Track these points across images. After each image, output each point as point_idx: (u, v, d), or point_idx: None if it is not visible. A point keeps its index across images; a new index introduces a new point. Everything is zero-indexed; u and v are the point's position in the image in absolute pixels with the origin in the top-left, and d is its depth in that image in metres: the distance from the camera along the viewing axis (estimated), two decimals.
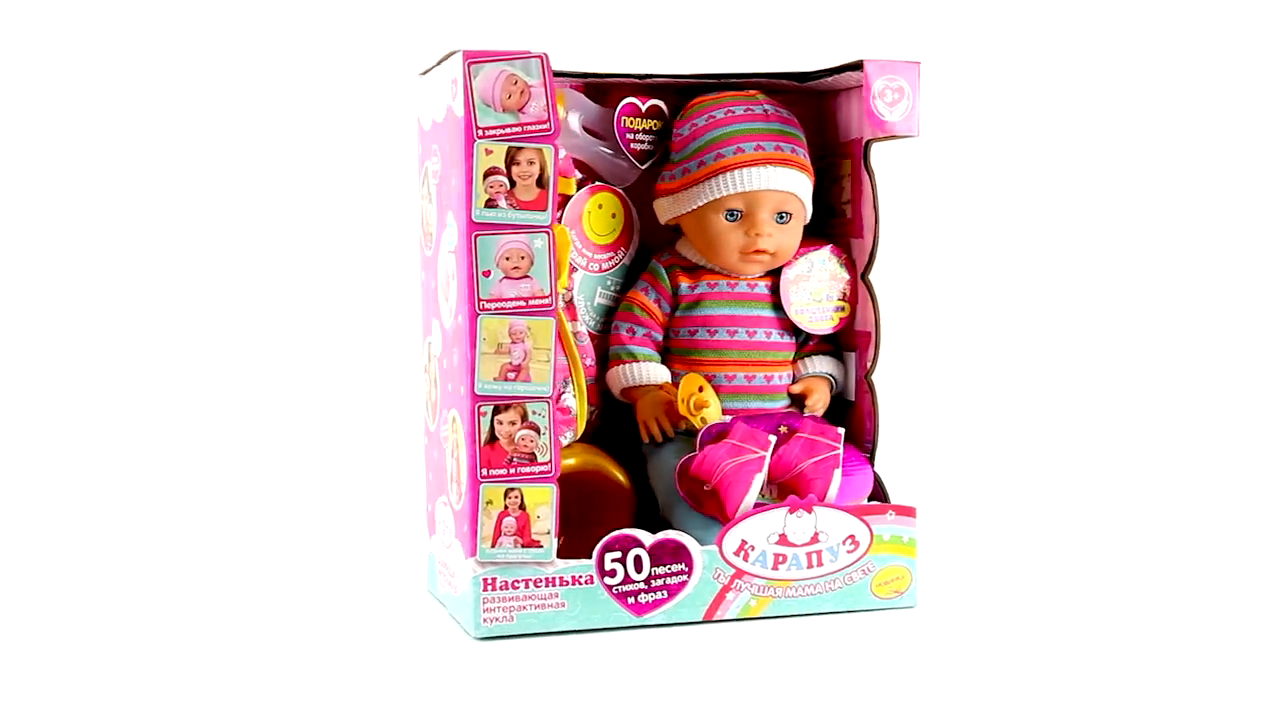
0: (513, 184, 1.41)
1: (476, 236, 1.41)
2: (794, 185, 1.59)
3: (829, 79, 1.60)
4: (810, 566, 1.50)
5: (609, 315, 1.65)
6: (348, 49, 2.01)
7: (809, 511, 1.49)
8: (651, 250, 1.67)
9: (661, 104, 1.64)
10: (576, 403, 1.59)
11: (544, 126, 1.41)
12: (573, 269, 1.63)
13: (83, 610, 1.56)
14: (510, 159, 1.41)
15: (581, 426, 1.60)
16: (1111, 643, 1.43)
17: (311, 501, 2.02)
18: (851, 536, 1.51)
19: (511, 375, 1.42)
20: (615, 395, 1.63)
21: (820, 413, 1.64)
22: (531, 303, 1.43)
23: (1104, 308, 2.24)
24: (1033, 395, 2.12)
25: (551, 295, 1.43)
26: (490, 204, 1.41)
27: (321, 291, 2.11)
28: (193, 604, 1.59)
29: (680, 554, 1.47)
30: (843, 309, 1.64)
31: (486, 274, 1.41)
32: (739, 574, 1.49)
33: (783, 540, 1.49)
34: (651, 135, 1.63)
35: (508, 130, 1.41)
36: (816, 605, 1.51)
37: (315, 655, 1.41)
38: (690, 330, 1.62)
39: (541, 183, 1.42)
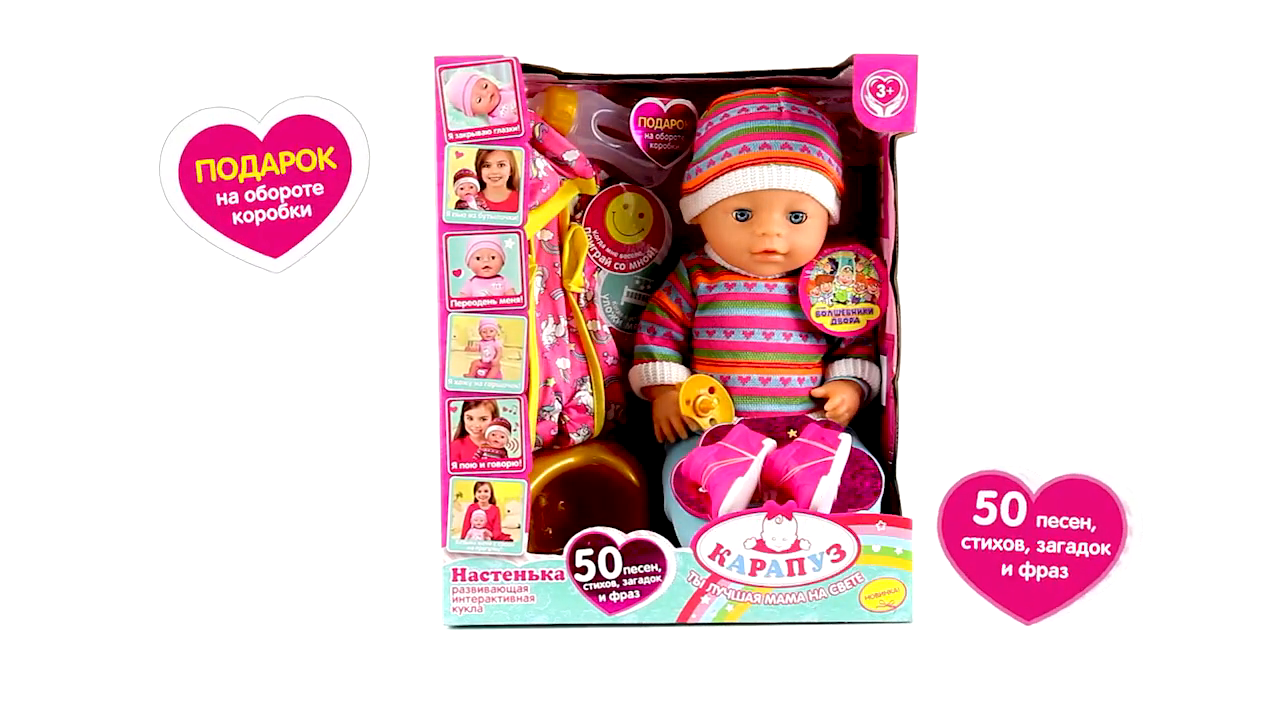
0: (483, 185, 1.45)
1: (447, 237, 1.45)
2: (806, 184, 1.55)
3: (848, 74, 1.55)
4: (791, 574, 1.47)
5: (636, 314, 1.66)
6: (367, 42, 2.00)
7: (788, 518, 1.46)
8: (686, 249, 1.67)
9: (689, 104, 1.63)
10: (594, 401, 1.61)
11: (514, 129, 1.44)
12: (595, 268, 1.65)
13: (74, 600, 1.61)
14: (480, 161, 1.44)
15: (599, 425, 1.62)
16: (1125, 677, 1.34)
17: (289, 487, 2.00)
18: (837, 546, 1.47)
19: (481, 372, 1.46)
20: (637, 394, 1.64)
21: (844, 418, 1.59)
22: (502, 302, 1.46)
23: (1143, 314, 2.03)
24: (1066, 407, 1.97)
25: (523, 294, 1.46)
26: (460, 205, 1.45)
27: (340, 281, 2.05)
28: (181, 579, 1.66)
29: (653, 554, 1.47)
30: (870, 311, 1.59)
31: (457, 273, 1.45)
32: (714, 578, 1.47)
33: (760, 546, 1.46)
34: (676, 135, 1.63)
35: (478, 133, 1.44)
36: (799, 614, 1.47)
37: (278, 638, 1.48)
38: (708, 330, 1.61)
39: (512, 184, 1.45)
